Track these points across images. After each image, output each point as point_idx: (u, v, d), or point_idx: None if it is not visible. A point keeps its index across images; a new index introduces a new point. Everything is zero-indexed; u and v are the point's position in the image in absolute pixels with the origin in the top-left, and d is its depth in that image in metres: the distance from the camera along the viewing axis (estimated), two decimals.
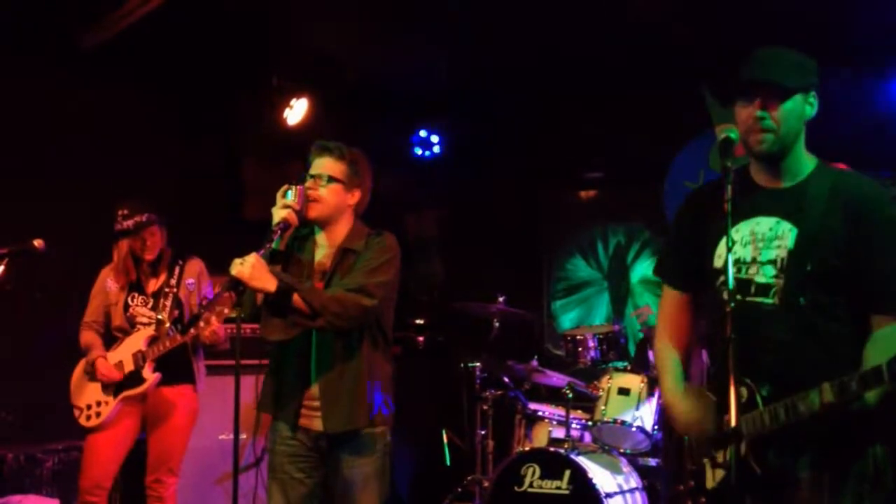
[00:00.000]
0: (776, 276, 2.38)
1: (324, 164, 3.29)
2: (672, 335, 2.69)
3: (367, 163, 3.40)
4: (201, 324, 4.19)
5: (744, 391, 2.35)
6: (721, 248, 2.47)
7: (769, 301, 2.38)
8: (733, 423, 2.15)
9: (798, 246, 2.35)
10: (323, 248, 3.32)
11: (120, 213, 4.39)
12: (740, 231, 2.46)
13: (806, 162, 2.47)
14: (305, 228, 3.35)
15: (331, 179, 3.26)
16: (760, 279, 2.40)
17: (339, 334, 3.18)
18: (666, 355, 2.68)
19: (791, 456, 2.33)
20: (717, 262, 2.49)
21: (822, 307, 2.34)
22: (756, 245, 2.43)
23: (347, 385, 3.17)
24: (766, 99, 2.38)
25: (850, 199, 2.36)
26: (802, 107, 2.42)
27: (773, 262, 2.39)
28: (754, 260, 2.42)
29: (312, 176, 3.27)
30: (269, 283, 3.01)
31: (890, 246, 2.32)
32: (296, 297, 3.04)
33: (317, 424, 3.20)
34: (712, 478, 2.48)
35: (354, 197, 3.33)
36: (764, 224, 2.43)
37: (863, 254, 2.31)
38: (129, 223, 4.37)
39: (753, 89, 2.40)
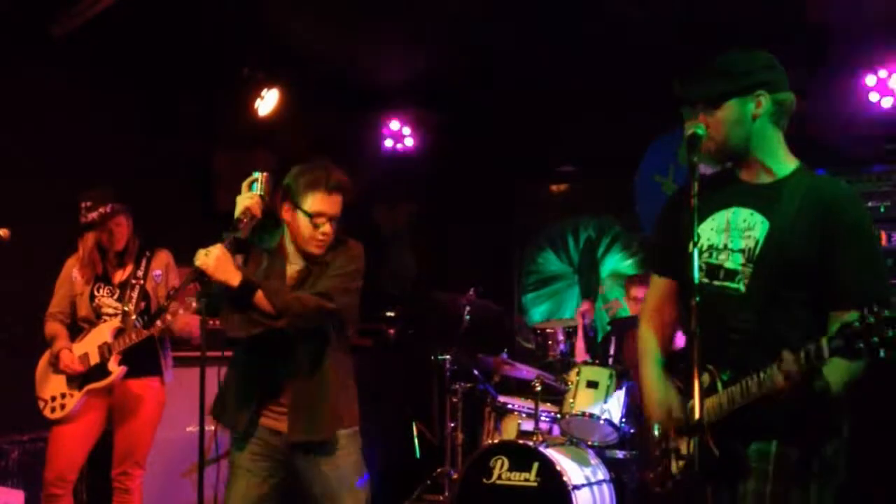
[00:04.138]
0: (744, 265, 2.46)
1: (337, 205, 3.23)
2: (654, 321, 2.77)
3: None
4: (167, 316, 4.15)
5: (706, 377, 2.42)
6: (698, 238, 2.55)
7: (734, 286, 2.47)
8: (697, 415, 2.19)
9: (767, 238, 2.43)
10: (295, 265, 3.29)
11: (83, 205, 4.31)
12: (716, 219, 2.54)
13: (785, 163, 2.53)
14: (274, 241, 3.32)
15: (338, 219, 3.24)
16: (729, 265, 2.49)
17: (303, 340, 3.17)
18: (647, 339, 2.76)
19: (745, 444, 2.39)
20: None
21: (783, 299, 2.40)
22: (729, 233, 2.51)
23: (314, 396, 3.16)
24: (701, 111, 2.49)
25: (822, 200, 2.41)
26: (741, 110, 2.47)
27: (742, 250, 2.47)
28: (725, 246, 2.51)
29: (324, 214, 3.19)
30: (232, 276, 2.99)
31: (853, 247, 2.37)
32: (258, 294, 3.03)
33: (284, 426, 3.19)
34: (676, 465, 2.54)
35: None
36: (739, 214, 2.52)
37: (826, 252, 2.37)
38: (94, 215, 4.30)
39: (690, 104, 2.51)
